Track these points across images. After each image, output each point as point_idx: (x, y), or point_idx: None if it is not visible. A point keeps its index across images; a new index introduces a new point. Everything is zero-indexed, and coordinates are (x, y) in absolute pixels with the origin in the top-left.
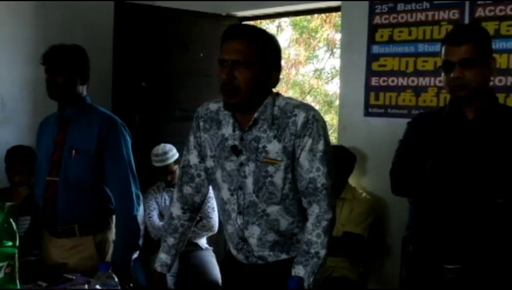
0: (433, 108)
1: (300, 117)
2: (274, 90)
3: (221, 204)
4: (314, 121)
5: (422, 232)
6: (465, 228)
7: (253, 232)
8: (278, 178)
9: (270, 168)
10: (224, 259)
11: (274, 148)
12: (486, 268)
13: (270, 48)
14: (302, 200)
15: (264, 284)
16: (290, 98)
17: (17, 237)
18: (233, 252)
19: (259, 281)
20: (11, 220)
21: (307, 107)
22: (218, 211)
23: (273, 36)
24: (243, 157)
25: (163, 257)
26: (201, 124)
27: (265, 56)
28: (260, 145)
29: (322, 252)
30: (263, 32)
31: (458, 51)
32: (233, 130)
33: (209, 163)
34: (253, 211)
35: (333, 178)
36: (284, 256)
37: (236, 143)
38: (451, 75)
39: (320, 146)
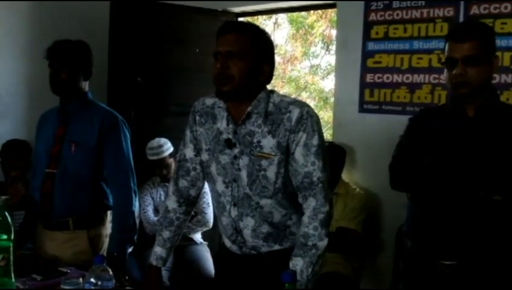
0: (429, 104)
1: (295, 113)
2: (268, 87)
3: (216, 197)
4: (309, 117)
5: (420, 228)
6: (462, 225)
7: (248, 224)
8: (271, 172)
9: (264, 162)
10: (218, 251)
11: (268, 143)
12: (483, 265)
13: (261, 41)
14: (298, 196)
15: (257, 275)
16: (284, 96)
17: (12, 231)
18: (227, 243)
19: (252, 272)
20: (6, 213)
21: (301, 104)
22: (213, 204)
23: (265, 31)
24: (236, 151)
25: (158, 250)
26: (197, 118)
27: (257, 49)
28: (255, 140)
29: (320, 244)
30: (255, 27)
31: (461, 47)
32: (227, 124)
33: (204, 156)
34: (248, 203)
35: (328, 172)
36: (277, 247)
37: (230, 136)
38: (454, 72)
39: (315, 141)
